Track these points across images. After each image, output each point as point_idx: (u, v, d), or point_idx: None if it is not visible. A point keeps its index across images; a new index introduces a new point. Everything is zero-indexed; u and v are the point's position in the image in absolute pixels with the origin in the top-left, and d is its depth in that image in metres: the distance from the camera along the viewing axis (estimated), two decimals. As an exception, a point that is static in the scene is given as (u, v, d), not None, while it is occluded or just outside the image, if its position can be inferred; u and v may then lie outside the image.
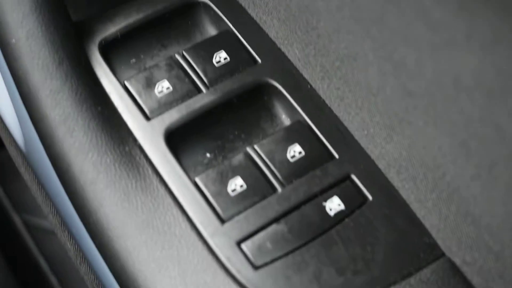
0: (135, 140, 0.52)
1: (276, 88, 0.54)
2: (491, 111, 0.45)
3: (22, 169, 0.61)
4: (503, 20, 0.45)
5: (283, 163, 0.51)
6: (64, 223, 0.57)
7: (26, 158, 0.60)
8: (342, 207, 0.49)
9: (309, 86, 0.54)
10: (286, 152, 0.51)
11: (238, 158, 0.51)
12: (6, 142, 0.63)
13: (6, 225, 0.85)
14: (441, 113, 0.47)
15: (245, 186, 0.50)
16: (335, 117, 0.52)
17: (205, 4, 0.58)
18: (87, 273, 0.56)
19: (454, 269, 0.47)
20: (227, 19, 0.57)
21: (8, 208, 0.85)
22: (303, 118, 0.53)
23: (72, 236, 0.57)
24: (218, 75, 0.54)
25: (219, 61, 0.55)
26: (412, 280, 0.47)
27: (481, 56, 0.45)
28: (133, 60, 0.56)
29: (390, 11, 0.50)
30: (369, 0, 0.51)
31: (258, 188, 0.50)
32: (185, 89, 0.54)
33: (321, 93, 0.53)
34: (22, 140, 0.60)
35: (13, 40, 0.53)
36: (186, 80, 0.54)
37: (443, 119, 0.47)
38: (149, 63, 0.56)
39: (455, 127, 0.47)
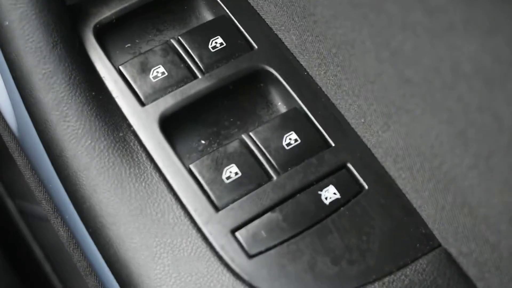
0: (129, 125, 0.52)
1: (272, 74, 0.53)
2: (490, 99, 0.44)
3: (16, 154, 0.60)
4: (501, 7, 0.45)
5: (279, 151, 0.50)
6: (57, 210, 0.57)
7: (19, 143, 0.60)
8: (338, 196, 0.49)
9: (305, 73, 0.53)
10: (282, 140, 0.51)
11: (233, 145, 0.51)
12: (0, 127, 0.62)
13: (-1, 211, 0.85)
14: (439, 101, 0.47)
15: (240, 174, 0.50)
16: (332, 104, 0.52)
17: (202, -11, 0.57)
18: (80, 260, 0.56)
19: (450, 260, 0.47)
20: (224, 4, 0.56)
21: (2, 194, 0.84)
22: (300, 106, 0.52)
23: (65, 222, 0.57)
24: (213, 61, 0.54)
25: (215, 47, 0.54)
26: (407, 270, 0.47)
27: (479, 43, 0.45)
28: (128, 44, 0.56)
29: (388, -3, 0.49)
30: (367, -14, 0.51)
31: (253, 176, 0.50)
32: (181, 74, 0.53)
33: (317, 80, 0.53)
34: (16, 125, 0.60)
35: (6, 22, 0.53)
36: (182, 65, 0.54)
37: (441, 107, 0.47)
38: (144, 48, 0.56)
39: (453, 115, 0.46)
